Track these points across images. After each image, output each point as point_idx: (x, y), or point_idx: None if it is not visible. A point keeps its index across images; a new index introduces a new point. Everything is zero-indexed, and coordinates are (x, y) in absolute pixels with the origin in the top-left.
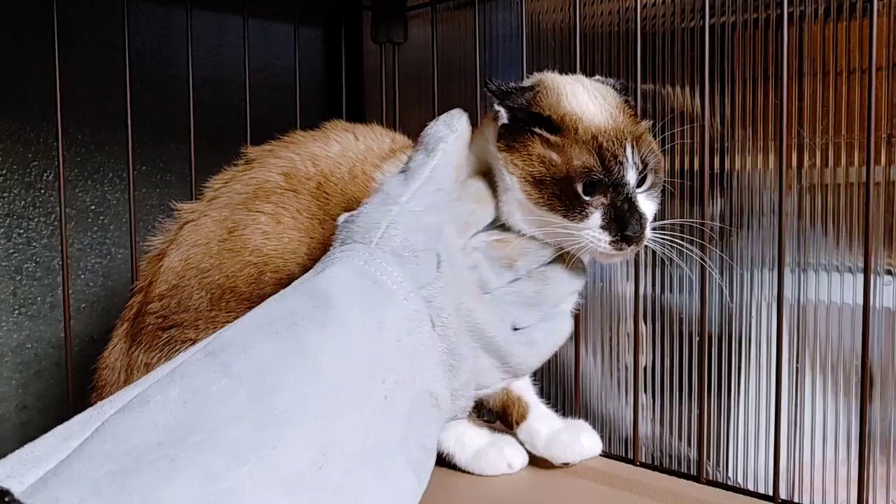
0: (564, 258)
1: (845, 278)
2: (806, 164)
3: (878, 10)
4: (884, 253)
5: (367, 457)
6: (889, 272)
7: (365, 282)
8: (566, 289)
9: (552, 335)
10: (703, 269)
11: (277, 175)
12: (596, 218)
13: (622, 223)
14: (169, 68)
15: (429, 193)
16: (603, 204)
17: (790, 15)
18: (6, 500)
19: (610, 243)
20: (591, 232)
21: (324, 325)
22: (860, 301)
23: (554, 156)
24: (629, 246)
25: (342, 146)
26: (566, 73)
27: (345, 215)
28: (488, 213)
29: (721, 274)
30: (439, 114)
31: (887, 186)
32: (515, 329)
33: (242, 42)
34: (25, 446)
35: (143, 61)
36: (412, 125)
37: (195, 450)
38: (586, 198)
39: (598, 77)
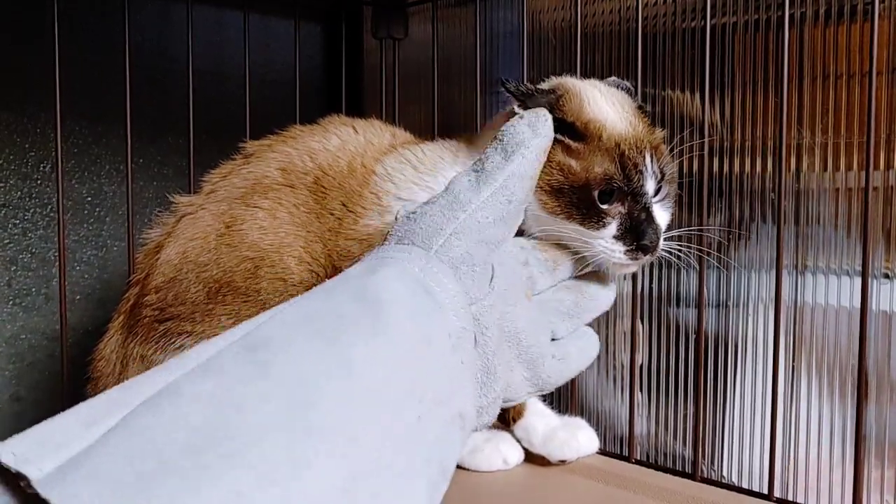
0: (598, 274)
1: (843, 281)
2: (805, 166)
3: (879, 13)
4: (881, 256)
5: (394, 481)
6: (886, 275)
7: (418, 291)
8: (602, 303)
9: (584, 353)
10: (701, 269)
11: (275, 170)
12: (612, 227)
13: (638, 233)
14: (168, 62)
15: (500, 204)
16: (620, 213)
17: (791, 17)
18: (20, 483)
19: (625, 253)
20: (605, 241)
21: (371, 333)
22: (857, 304)
23: (573, 163)
24: (644, 256)
25: (341, 140)
26: (568, 75)
27: (405, 209)
28: None
29: (719, 275)
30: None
31: (886, 190)
32: (552, 339)
33: (243, 37)
34: (41, 425)
35: (143, 55)
36: (412, 122)
37: (225, 461)
38: (603, 206)
39: (612, 79)
